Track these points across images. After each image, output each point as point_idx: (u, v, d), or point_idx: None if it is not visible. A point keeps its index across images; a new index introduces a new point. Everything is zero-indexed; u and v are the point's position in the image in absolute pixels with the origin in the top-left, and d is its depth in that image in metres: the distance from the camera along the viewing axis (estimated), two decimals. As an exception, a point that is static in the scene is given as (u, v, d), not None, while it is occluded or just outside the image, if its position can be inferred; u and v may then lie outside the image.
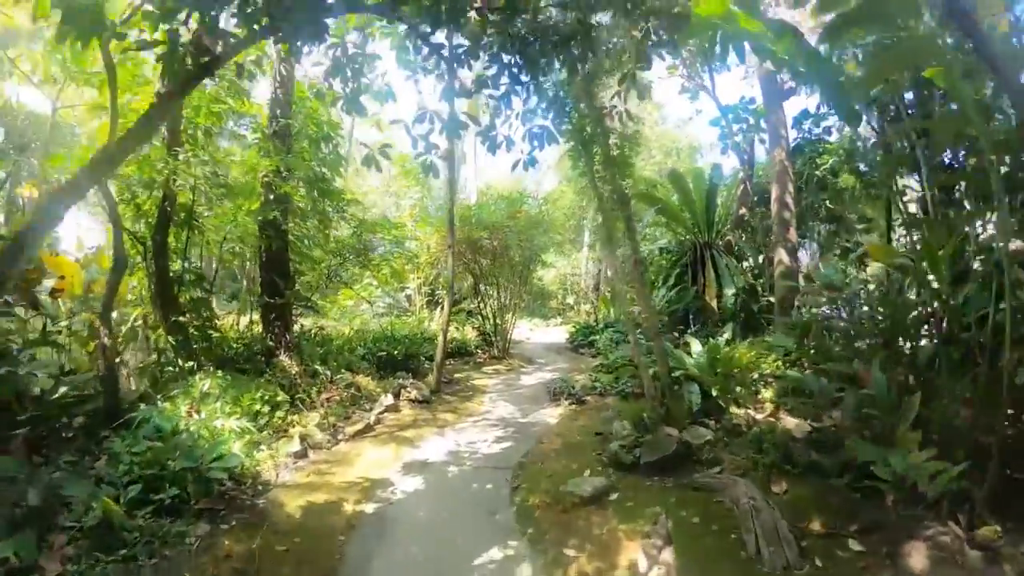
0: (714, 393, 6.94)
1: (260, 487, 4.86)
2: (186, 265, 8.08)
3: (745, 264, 13.36)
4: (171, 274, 7.26)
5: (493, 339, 13.31)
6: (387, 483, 5.15)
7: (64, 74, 8.39)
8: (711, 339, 9.33)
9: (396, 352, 10.05)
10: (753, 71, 14.15)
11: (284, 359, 8.08)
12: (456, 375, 10.58)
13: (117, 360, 5.85)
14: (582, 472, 5.19)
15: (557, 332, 22.67)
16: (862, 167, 11.20)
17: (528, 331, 21.89)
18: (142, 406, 5.39)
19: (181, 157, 6.82)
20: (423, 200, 15.13)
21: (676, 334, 11.37)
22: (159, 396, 5.88)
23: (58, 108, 11.39)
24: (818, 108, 12.20)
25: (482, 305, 13.40)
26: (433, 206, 14.95)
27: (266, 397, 6.69)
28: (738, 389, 7.53)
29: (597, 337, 14.56)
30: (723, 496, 4.53)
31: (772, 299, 12.09)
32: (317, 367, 7.73)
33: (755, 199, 13.52)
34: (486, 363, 12.39)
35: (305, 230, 9.70)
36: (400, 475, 5.37)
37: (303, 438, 6.25)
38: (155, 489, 4.08)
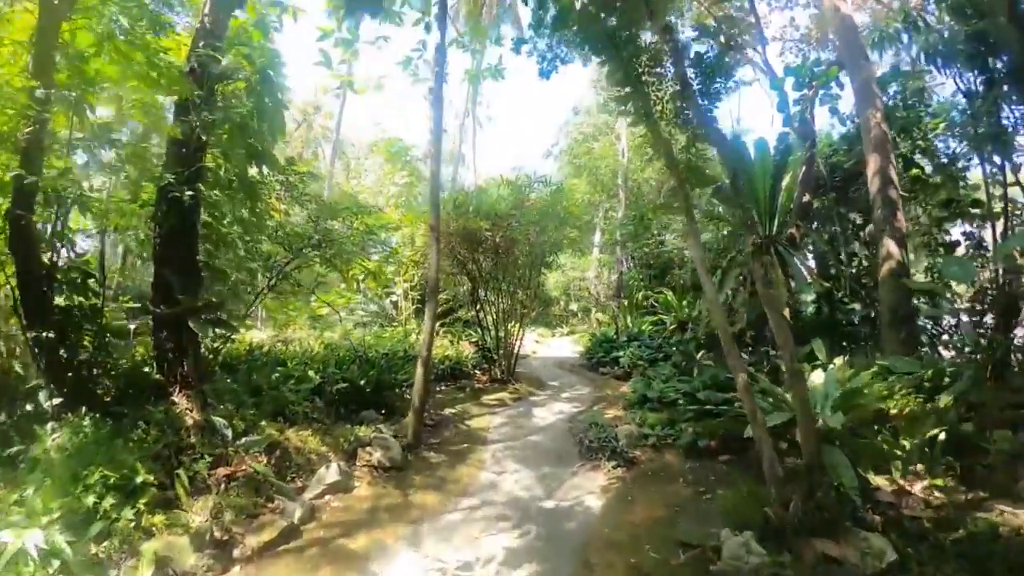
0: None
1: None
2: (70, 255, 5.46)
3: (811, 263, 10.65)
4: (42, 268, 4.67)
5: (495, 356, 10.52)
6: None
7: None
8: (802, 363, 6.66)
9: (364, 382, 7.23)
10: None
11: (181, 400, 5.32)
12: (446, 410, 7.76)
13: None
14: None
15: (566, 344, 19.89)
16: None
17: (534, 343, 19.11)
18: None
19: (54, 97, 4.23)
20: (411, 185, 12.33)
21: (744, 354, 8.64)
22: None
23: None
24: (913, 64, 9.52)
25: (482, 314, 10.63)
26: (424, 197, 12.05)
27: (110, 481, 3.92)
28: (901, 452, 4.82)
29: (620, 353, 11.78)
30: None
31: (856, 306, 9.39)
32: (220, 416, 4.92)
33: (823, 181, 10.80)
34: (487, 388, 9.59)
35: (232, 210, 6.92)
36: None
37: (162, 564, 3.46)
38: None
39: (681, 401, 6.91)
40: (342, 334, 11.38)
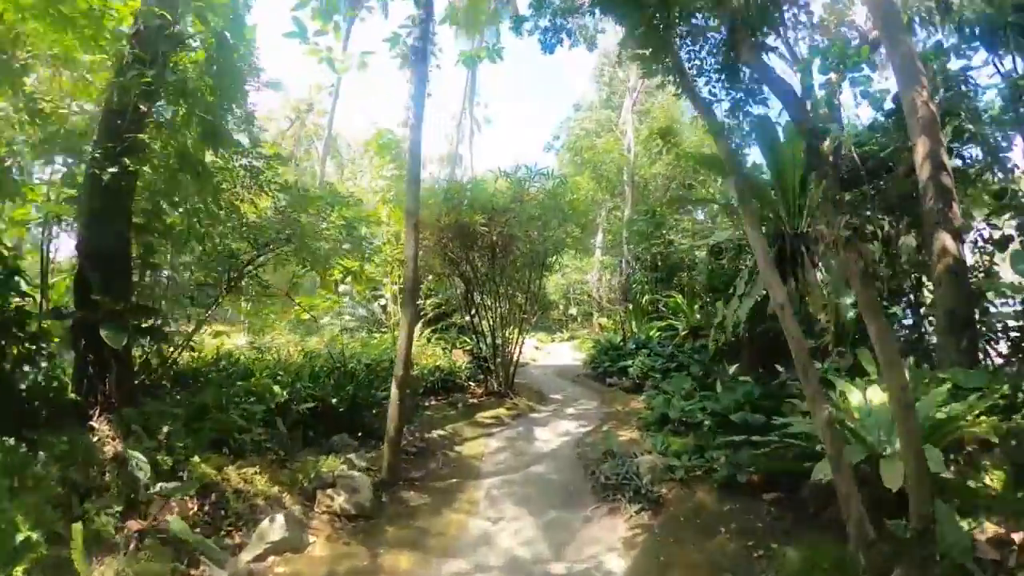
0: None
1: None
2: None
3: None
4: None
5: (491, 366, 9.47)
6: None
7: None
8: (847, 377, 5.69)
9: (337, 399, 6.19)
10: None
11: (102, 426, 4.29)
12: (435, 431, 6.71)
13: None
14: None
15: (566, 350, 18.86)
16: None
17: (534, 349, 18.07)
18: None
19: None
20: (399, 179, 11.30)
21: (765, 368, 7.66)
22: None
23: None
24: (959, 41, 8.56)
25: (476, 320, 9.60)
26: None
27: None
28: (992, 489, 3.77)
29: (629, 362, 10.75)
30: None
31: (896, 310, 8.39)
32: (146, 448, 3.87)
33: (853, 174, 9.81)
34: (482, 403, 8.55)
35: (184, 199, 5.89)
36: None
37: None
38: None
39: (708, 423, 5.88)
40: (326, 341, 10.36)
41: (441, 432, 6.67)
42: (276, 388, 6.46)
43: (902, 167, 9.05)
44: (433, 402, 8.61)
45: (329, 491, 4.25)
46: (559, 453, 6.02)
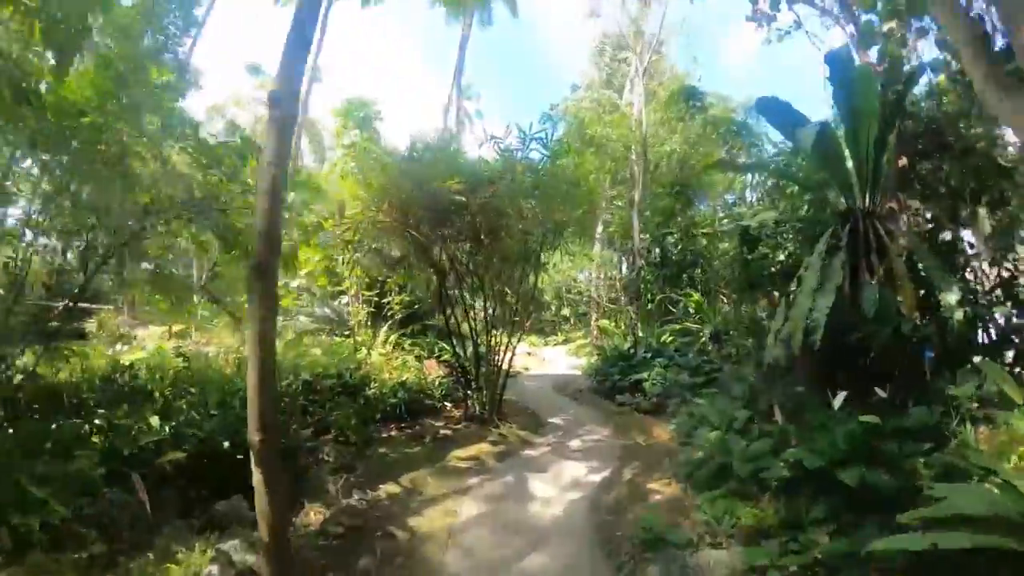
0: None
1: None
2: None
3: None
4: None
5: (473, 382, 7.40)
6: None
7: None
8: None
9: (231, 443, 4.11)
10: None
11: None
12: (382, 487, 4.61)
13: None
14: None
15: (561, 357, 16.83)
16: None
17: (526, 355, 16.02)
18: None
19: None
20: (364, 148, 9.12)
21: (832, 386, 5.69)
22: None
23: None
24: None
25: (455, 322, 7.52)
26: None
27: None
28: None
29: (644, 375, 8.73)
30: None
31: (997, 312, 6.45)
32: None
33: (923, 142, 7.87)
34: (459, 434, 6.48)
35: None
36: None
37: None
38: None
39: (794, 477, 3.86)
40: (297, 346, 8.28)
41: (393, 487, 4.58)
42: (154, 421, 4.39)
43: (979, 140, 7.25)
44: (394, 432, 6.52)
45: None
46: (569, 527, 3.96)
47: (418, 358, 9.62)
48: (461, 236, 6.91)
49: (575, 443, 6.30)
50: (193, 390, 5.43)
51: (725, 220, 9.10)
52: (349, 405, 6.33)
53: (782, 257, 7.62)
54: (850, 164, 6.51)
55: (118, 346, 7.76)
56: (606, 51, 22.28)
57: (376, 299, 10.28)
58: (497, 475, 5.14)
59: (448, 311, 7.36)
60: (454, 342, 7.53)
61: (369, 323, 10.25)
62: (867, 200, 6.59)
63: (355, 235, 6.69)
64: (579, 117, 11.94)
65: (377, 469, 5.02)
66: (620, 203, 14.72)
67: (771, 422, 5.47)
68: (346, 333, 10.12)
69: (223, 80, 35.10)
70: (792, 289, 5.82)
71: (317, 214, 6.69)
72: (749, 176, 12.07)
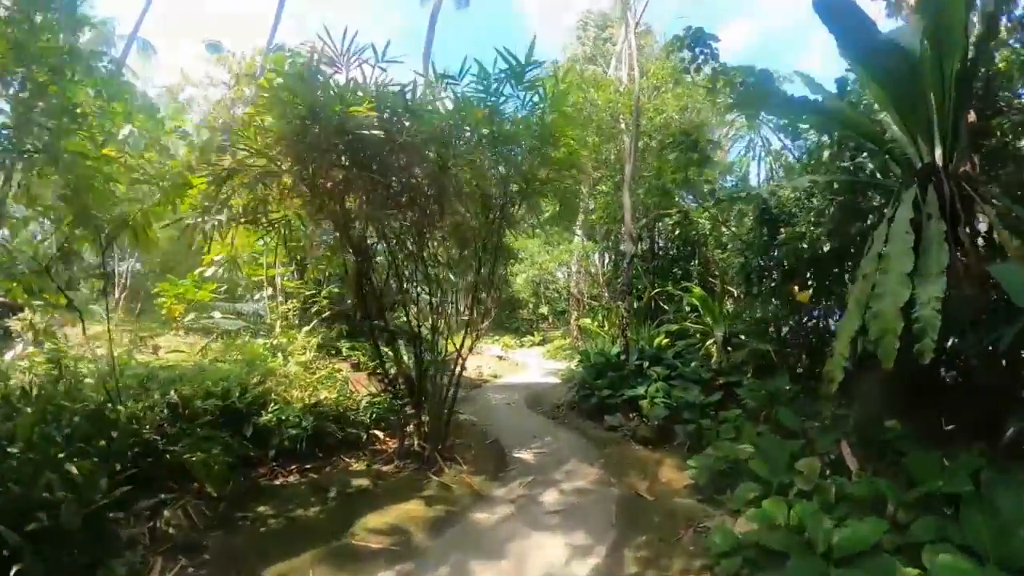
0: None
1: None
2: None
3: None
4: None
5: (411, 404, 5.40)
6: None
7: None
8: None
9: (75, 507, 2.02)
10: None
11: None
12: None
13: None
14: None
15: (535, 359, 14.94)
16: None
17: (495, 357, 14.09)
18: None
19: None
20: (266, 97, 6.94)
21: (915, 414, 3.94)
22: None
23: None
24: None
25: (388, 321, 5.51)
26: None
27: None
28: None
29: (640, 390, 6.82)
30: None
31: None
32: None
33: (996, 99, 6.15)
34: (383, 483, 4.48)
35: None
36: None
37: None
38: None
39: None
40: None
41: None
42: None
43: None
44: (292, 478, 4.49)
45: None
46: None
47: (356, 367, 7.61)
48: (391, 204, 4.89)
49: (551, 497, 4.36)
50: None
51: (740, 196, 7.22)
52: (219, 440, 4.28)
53: (821, 237, 5.82)
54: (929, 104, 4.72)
55: (19, 348, 5.35)
56: (589, 27, 20.50)
57: (304, 291, 8.20)
58: (425, 568, 3.17)
59: (369, 310, 5.32)
60: (380, 347, 5.52)
61: (295, 320, 8.16)
62: (947, 155, 4.82)
63: (222, 192, 4.53)
64: (567, 78, 10.02)
65: (237, 550, 3.04)
66: (605, 188, 12.86)
67: (844, 472, 3.63)
68: (270, 336, 8.01)
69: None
70: (864, 272, 3.98)
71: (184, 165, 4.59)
72: (758, 148, 10.32)
